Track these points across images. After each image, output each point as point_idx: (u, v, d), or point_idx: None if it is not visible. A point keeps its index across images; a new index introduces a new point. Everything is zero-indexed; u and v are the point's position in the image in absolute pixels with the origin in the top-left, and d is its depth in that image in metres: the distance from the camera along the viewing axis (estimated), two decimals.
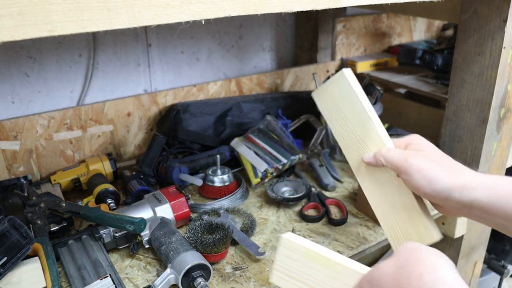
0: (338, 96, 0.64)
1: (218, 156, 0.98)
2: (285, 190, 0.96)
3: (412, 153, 0.59)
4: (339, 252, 0.78)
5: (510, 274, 1.35)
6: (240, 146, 1.05)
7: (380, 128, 0.64)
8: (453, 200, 0.56)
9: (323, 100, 0.66)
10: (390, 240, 0.65)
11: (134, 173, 0.99)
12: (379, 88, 1.06)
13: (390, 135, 1.07)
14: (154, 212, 0.81)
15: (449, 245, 1.05)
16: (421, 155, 0.58)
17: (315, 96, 0.66)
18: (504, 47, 0.82)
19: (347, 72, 0.63)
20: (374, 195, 0.65)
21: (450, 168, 0.57)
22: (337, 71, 1.42)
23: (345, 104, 0.64)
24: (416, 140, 0.63)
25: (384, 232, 0.67)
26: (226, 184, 0.95)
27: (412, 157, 0.58)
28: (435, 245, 1.12)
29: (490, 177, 0.56)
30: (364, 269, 0.48)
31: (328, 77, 1.13)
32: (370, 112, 0.63)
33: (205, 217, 0.84)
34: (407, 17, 1.56)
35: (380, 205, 0.65)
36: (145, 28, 1.13)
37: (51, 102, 1.07)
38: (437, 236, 0.62)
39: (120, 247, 0.78)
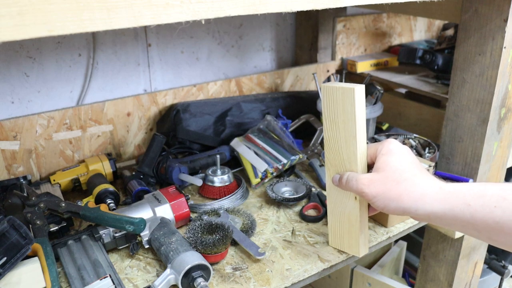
0: (340, 105, 0.66)
1: (218, 156, 0.98)
2: (285, 190, 0.95)
3: (367, 181, 0.63)
4: (339, 252, 0.78)
5: (510, 275, 1.35)
6: (240, 146, 1.04)
7: (360, 153, 0.67)
8: (410, 214, 0.60)
9: (327, 97, 0.68)
10: (329, 228, 0.78)
11: (133, 173, 0.98)
12: (379, 88, 1.06)
13: (390, 135, 1.07)
14: (154, 212, 0.81)
15: (449, 245, 1.05)
16: (376, 182, 0.62)
17: (323, 88, 0.68)
18: (505, 47, 0.82)
19: (358, 90, 0.64)
20: (333, 195, 0.74)
21: (405, 186, 0.60)
22: (337, 71, 1.43)
23: (343, 116, 0.67)
24: (384, 149, 0.65)
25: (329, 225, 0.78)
26: (226, 184, 0.95)
27: (367, 187, 0.62)
28: (436, 246, 1.12)
29: (446, 187, 0.58)
30: None
31: (328, 78, 1.13)
32: (359, 136, 0.67)
33: (205, 217, 0.84)
34: (408, 16, 1.56)
35: (334, 204, 0.74)
36: (145, 28, 1.13)
37: (51, 102, 1.06)
38: (361, 253, 0.75)
39: (120, 247, 0.78)
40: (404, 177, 0.60)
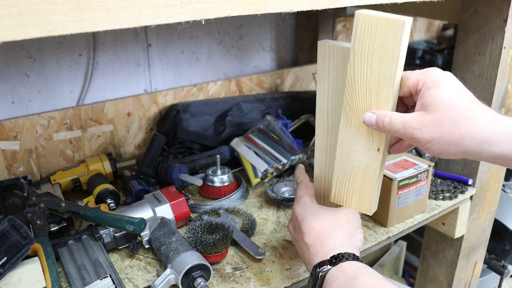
0: (381, 40, 0.55)
1: (218, 156, 0.98)
2: (285, 190, 0.96)
3: (418, 124, 0.52)
4: None
5: (510, 274, 1.35)
6: (240, 146, 1.05)
7: (393, 97, 0.57)
8: (472, 157, 0.53)
9: (363, 28, 0.56)
10: (334, 182, 0.65)
11: (134, 173, 0.99)
12: None
13: None
14: (154, 212, 0.81)
15: (449, 245, 1.05)
16: (430, 124, 0.52)
17: (358, 17, 0.55)
18: (504, 47, 0.82)
19: (408, 24, 0.54)
20: (347, 144, 0.61)
21: (467, 127, 0.51)
22: None
23: (381, 52, 0.55)
24: (429, 80, 0.54)
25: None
26: (226, 184, 0.95)
27: (419, 131, 0.52)
28: (435, 246, 1.12)
29: None
30: None
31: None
32: (397, 79, 0.56)
33: (205, 217, 0.84)
34: None
35: (346, 155, 0.62)
36: (145, 28, 1.13)
37: (51, 102, 1.06)
38: (373, 211, 0.64)
39: (120, 247, 0.78)
40: (464, 115, 0.51)
